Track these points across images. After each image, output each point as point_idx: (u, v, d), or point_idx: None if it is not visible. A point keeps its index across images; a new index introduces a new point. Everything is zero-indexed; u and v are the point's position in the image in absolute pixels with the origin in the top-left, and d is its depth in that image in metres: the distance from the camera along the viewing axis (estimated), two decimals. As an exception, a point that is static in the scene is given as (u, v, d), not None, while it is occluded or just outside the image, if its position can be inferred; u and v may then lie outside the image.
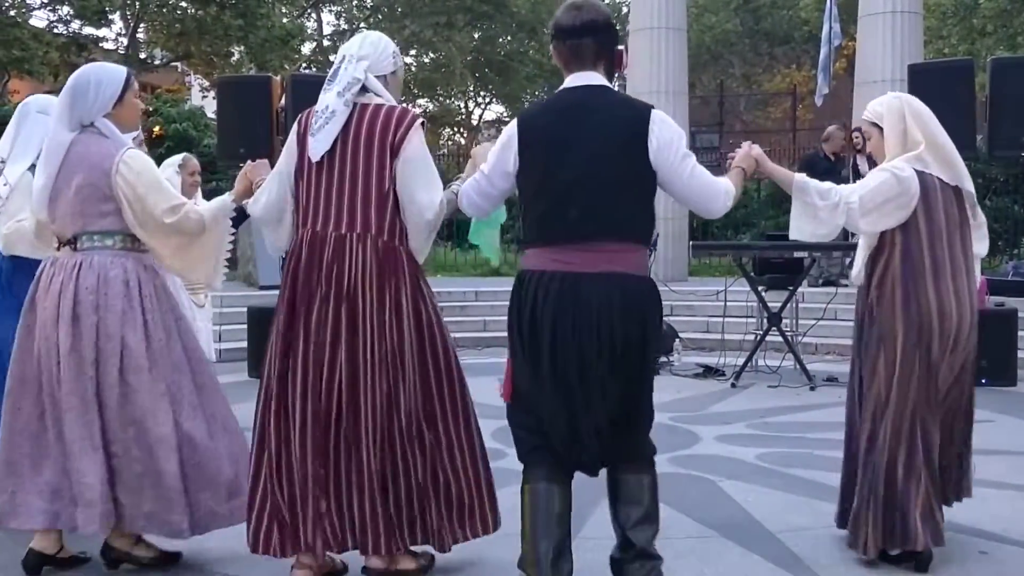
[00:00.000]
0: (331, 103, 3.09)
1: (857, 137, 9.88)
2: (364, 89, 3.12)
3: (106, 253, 3.23)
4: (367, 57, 3.17)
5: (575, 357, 2.77)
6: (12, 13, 18.18)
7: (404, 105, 3.18)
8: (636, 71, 12.23)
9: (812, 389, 6.90)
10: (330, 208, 3.07)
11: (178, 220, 3.26)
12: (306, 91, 8.58)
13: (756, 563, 3.31)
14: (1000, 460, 4.72)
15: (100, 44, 21.83)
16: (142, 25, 21.74)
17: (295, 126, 3.21)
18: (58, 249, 3.29)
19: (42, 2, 19.79)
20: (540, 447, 2.90)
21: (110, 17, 20.70)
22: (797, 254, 7.86)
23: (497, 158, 2.98)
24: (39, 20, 20.10)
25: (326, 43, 26.77)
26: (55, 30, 19.79)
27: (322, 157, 3.08)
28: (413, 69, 27.87)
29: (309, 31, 25.45)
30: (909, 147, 3.38)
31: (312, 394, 3.04)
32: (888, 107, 3.46)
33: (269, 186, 3.24)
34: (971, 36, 17.80)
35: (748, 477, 4.53)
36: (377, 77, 3.16)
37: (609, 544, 3.03)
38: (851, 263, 11.32)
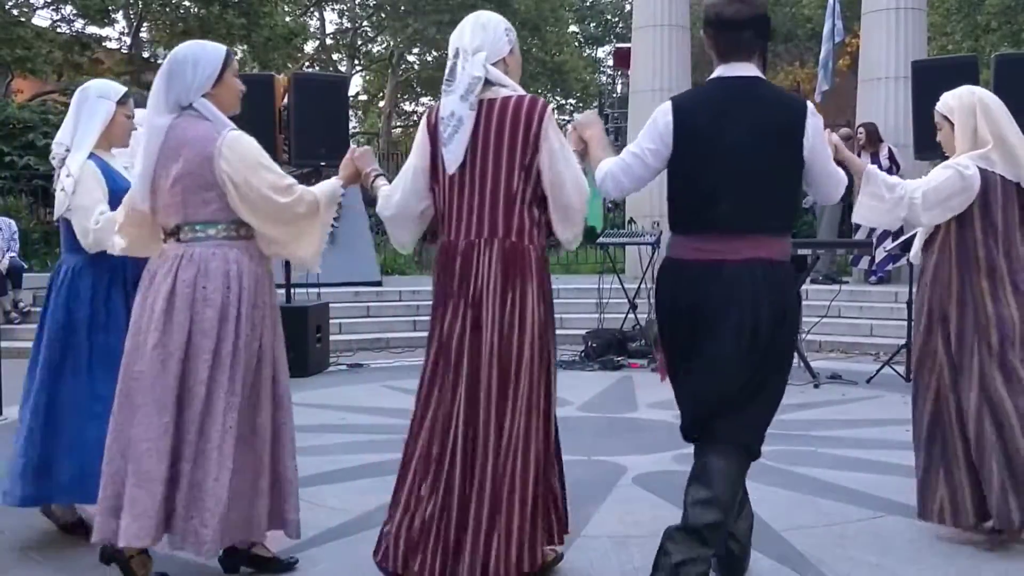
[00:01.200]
0: (456, 109, 2.95)
1: (860, 134, 9.88)
2: (487, 83, 2.97)
3: (209, 244, 3.06)
4: (482, 47, 2.99)
5: (725, 340, 2.82)
6: (15, 12, 18.20)
7: (531, 94, 3.02)
8: (640, 68, 12.22)
9: (816, 387, 6.89)
10: (462, 214, 2.98)
11: (293, 201, 3.09)
12: (309, 90, 8.63)
13: (761, 561, 3.30)
14: None
15: (103, 43, 21.85)
16: (145, 24, 21.75)
17: (424, 123, 3.08)
18: (164, 241, 3.15)
19: (45, 1, 19.81)
20: (699, 425, 2.93)
21: (113, 16, 20.72)
22: (801, 251, 7.85)
23: (651, 141, 2.96)
24: (42, 19, 20.14)
25: (329, 42, 26.76)
26: (58, 29, 19.80)
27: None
28: (416, 67, 27.85)
29: (312, 30, 25.43)
30: (978, 144, 3.46)
31: (439, 404, 2.96)
32: (960, 102, 3.53)
33: (401, 184, 3.10)
34: (975, 32, 17.76)
35: (752, 475, 4.46)
36: (495, 64, 3.00)
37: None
38: (854, 259, 11.30)
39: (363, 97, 30.15)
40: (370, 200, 3.29)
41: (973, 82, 7.77)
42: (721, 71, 2.97)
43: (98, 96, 3.62)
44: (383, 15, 24.71)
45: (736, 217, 2.85)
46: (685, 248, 2.93)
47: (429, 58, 27.73)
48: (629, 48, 13.68)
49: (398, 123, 29.64)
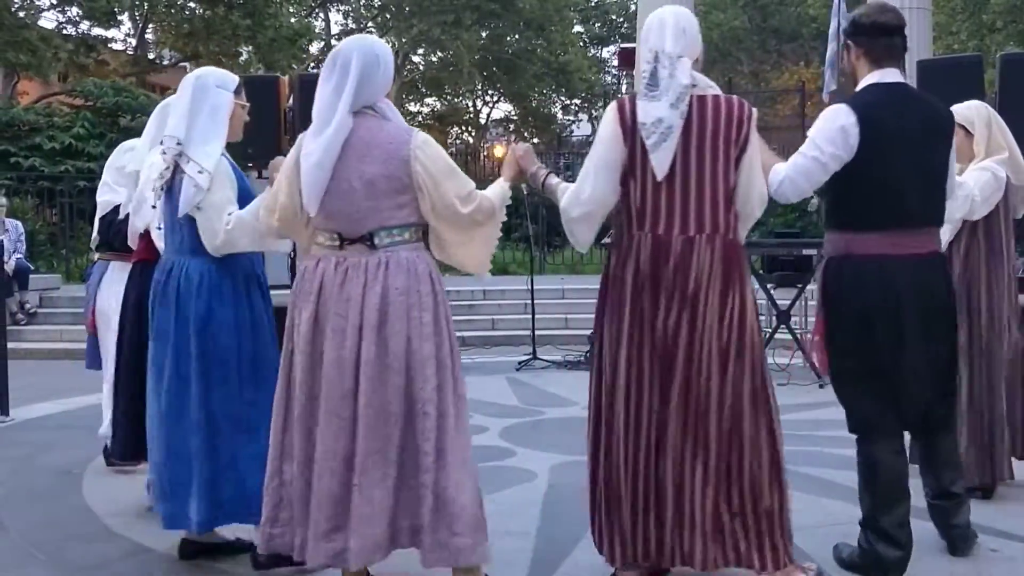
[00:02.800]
0: (665, 117, 2.91)
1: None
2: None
3: (407, 248, 2.93)
4: (684, 52, 2.97)
5: (913, 331, 3.11)
6: (21, 15, 18.25)
7: (736, 96, 3.04)
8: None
9: (821, 387, 6.88)
10: (674, 212, 2.96)
11: (473, 209, 2.96)
12: (313, 90, 8.61)
13: (766, 562, 3.29)
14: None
15: (109, 44, 21.90)
16: (151, 25, 21.81)
17: (615, 119, 2.98)
18: (340, 247, 2.92)
19: (51, 3, 19.86)
20: (876, 417, 3.17)
21: (119, 18, 20.77)
22: (806, 251, 7.84)
23: (833, 146, 3.09)
24: (48, 21, 20.19)
25: (334, 42, 26.81)
26: (64, 31, 19.85)
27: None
28: (421, 68, 27.88)
29: (317, 30, 25.48)
30: (992, 150, 3.97)
31: (649, 396, 2.97)
32: (978, 114, 4.01)
33: (592, 181, 3.02)
34: (981, 32, 17.73)
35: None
36: (692, 64, 2.99)
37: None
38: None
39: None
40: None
41: (978, 81, 7.77)
42: (876, 76, 3.21)
43: (217, 86, 3.36)
44: (388, 16, 24.76)
45: (921, 212, 3.17)
46: (878, 243, 3.13)
47: (434, 58, 27.77)
48: (633, 48, 13.66)
49: (403, 123, 29.64)
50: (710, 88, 3.01)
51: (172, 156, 3.27)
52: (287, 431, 2.93)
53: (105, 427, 4.54)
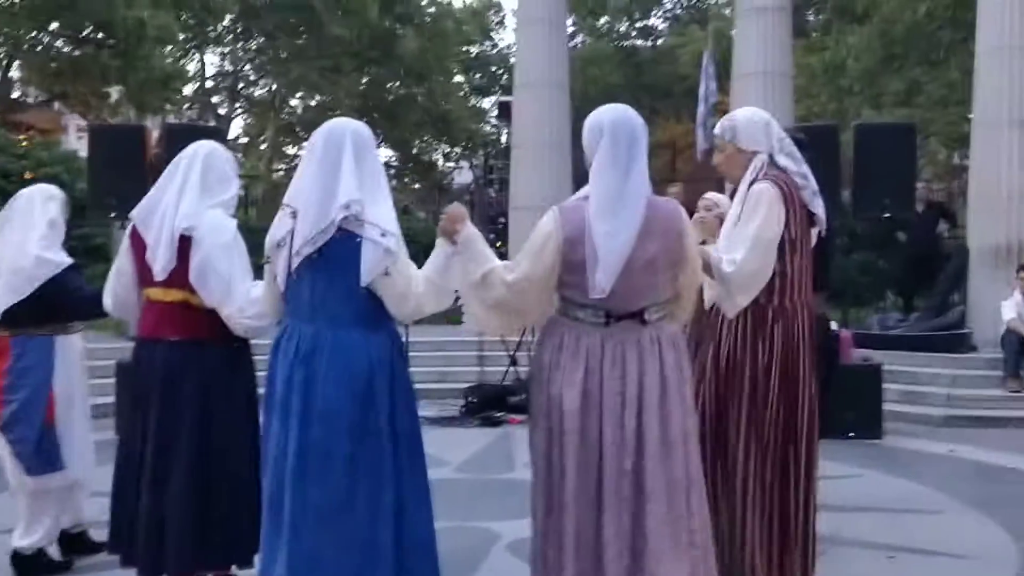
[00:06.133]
0: (811, 179, 3.45)
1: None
2: None
3: (668, 322, 2.97)
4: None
5: None
6: None
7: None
8: (522, 124, 12.42)
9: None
10: (810, 281, 3.43)
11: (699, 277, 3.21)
12: (182, 140, 8.32)
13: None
14: (866, 517, 4.86)
15: (-32, 80, 20.93)
16: (16, 63, 20.96)
17: (783, 198, 3.32)
18: (606, 324, 2.88)
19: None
20: None
21: (-20, 54, 19.90)
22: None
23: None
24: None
25: (209, 84, 26.30)
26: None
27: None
28: (299, 112, 27.60)
29: (192, 72, 24.96)
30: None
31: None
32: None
33: (766, 256, 3.29)
34: (840, 95, 18.66)
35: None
36: None
37: None
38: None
39: (244, 139, 29.70)
40: None
41: (835, 147, 8.18)
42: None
43: (372, 143, 3.14)
44: (265, 59, 24.47)
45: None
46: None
47: (312, 102, 27.53)
48: (511, 101, 13.89)
49: (280, 165, 29.25)
50: None
51: (353, 219, 2.94)
52: (550, 514, 2.85)
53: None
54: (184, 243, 3.34)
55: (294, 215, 2.99)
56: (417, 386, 9.78)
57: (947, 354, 9.36)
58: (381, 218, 2.97)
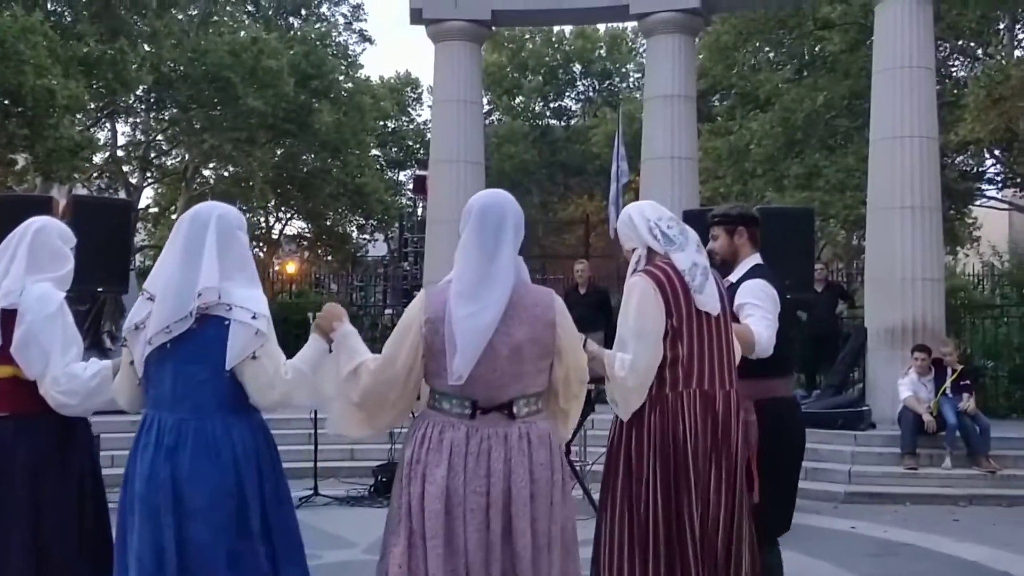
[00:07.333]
0: (699, 261, 3.32)
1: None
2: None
3: (540, 418, 2.81)
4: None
5: None
6: None
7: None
8: (437, 199, 12.56)
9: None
10: (714, 365, 3.25)
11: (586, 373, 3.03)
12: (88, 213, 8.25)
13: None
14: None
15: None
16: (-86, 127, 20.37)
17: (659, 288, 3.24)
18: (472, 416, 2.73)
19: None
20: None
21: None
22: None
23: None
24: None
25: (120, 153, 25.92)
26: None
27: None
28: (211, 182, 27.33)
29: (102, 141, 24.58)
30: None
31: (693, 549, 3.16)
32: None
33: (656, 348, 3.20)
34: (744, 177, 19.37)
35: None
36: None
37: None
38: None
39: (154, 209, 29.22)
40: None
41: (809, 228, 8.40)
42: (758, 258, 4.18)
43: (239, 229, 3.09)
44: (178, 129, 24.26)
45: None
46: (786, 387, 4.10)
47: (225, 173, 27.32)
48: (426, 176, 14.05)
49: (191, 237, 28.79)
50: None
51: (215, 301, 2.88)
52: None
53: None
54: (8, 318, 3.29)
55: (152, 300, 2.93)
56: (325, 465, 9.63)
57: (848, 431, 9.57)
58: (249, 300, 2.91)
